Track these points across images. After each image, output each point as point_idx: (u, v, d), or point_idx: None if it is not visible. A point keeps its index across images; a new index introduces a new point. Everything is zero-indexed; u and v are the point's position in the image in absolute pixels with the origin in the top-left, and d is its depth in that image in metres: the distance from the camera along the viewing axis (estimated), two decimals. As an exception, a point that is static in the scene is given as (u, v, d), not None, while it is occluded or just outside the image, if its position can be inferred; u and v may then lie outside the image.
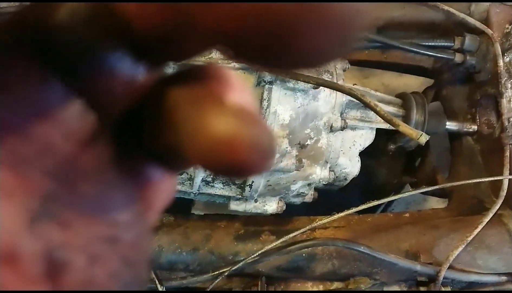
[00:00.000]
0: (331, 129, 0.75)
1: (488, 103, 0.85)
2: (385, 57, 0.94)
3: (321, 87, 0.72)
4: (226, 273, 0.71)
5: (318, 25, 0.10)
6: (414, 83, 1.08)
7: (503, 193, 0.74)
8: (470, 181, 0.74)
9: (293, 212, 0.84)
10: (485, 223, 0.71)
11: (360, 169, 0.84)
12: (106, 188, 0.13)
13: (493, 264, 0.73)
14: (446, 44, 0.84)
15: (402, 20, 0.87)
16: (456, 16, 0.83)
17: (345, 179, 0.84)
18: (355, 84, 0.81)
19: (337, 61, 0.77)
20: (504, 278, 0.73)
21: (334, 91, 0.75)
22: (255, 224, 0.81)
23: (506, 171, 0.75)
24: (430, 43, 0.83)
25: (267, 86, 0.70)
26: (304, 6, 0.10)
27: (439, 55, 0.83)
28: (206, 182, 0.75)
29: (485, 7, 0.83)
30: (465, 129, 0.87)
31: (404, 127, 0.60)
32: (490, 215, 0.72)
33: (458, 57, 0.83)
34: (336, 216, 0.73)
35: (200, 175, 0.73)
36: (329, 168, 0.79)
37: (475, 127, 0.86)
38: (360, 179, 0.87)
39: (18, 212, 0.11)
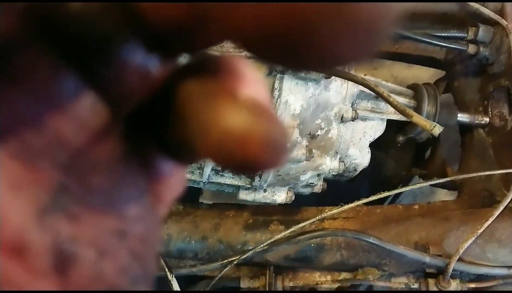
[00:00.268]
0: (342, 120, 0.75)
1: (501, 95, 0.84)
2: (396, 48, 0.93)
3: (332, 77, 0.72)
4: (235, 262, 0.71)
5: (344, 26, 0.09)
6: (423, 74, 1.06)
7: (515, 186, 0.74)
8: (482, 173, 0.74)
9: (300, 201, 0.84)
10: (495, 216, 0.71)
11: (369, 160, 0.84)
12: (117, 181, 0.13)
13: (503, 257, 0.72)
14: (459, 35, 0.82)
15: (415, 10, 0.86)
16: (470, 6, 0.82)
17: (355, 170, 0.84)
18: (366, 74, 0.80)
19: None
20: (513, 271, 0.73)
21: (346, 81, 0.74)
22: (264, 213, 0.82)
23: (518, 164, 0.75)
24: (443, 34, 0.82)
25: (278, 75, 0.69)
26: (329, 6, 0.09)
27: (452, 46, 0.82)
28: (216, 171, 0.75)
29: (500, -3, 0.81)
30: (477, 122, 0.86)
31: (417, 118, 0.60)
32: (501, 208, 0.71)
33: (471, 49, 0.82)
34: (346, 207, 0.73)
35: (210, 164, 0.73)
36: (339, 158, 0.79)
37: (487, 119, 0.85)
38: (368, 170, 0.87)
39: (27, 204, 0.11)
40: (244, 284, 0.78)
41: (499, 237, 0.73)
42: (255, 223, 0.79)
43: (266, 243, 0.72)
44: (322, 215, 0.74)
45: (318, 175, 0.79)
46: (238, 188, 0.79)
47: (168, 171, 0.15)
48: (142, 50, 0.12)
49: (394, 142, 0.91)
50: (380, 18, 0.10)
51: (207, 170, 0.74)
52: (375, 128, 0.81)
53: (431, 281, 0.74)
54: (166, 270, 0.68)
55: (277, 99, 0.69)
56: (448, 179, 0.82)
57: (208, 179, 0.76)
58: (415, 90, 0.85)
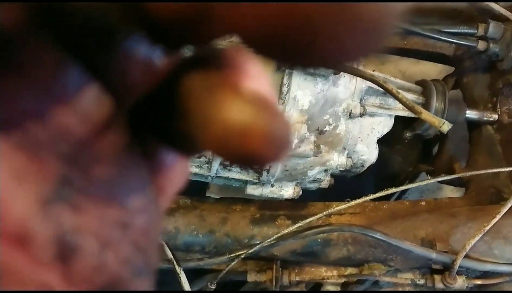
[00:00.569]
0: (350, 115, 0.75)
1: (510, 92, 0.84)
2: (405, 44, 0.92)
3: (341, 73, 0.71)
4: (242, 256, 0.72)
5: (344, 27, 0.09)
6: (431, 70, 1.06)
7: (523, 183, 0.74)
8: (490, 170, 0.74)
9: (306, 197, 0.84)
10: (503, 213, 0.71)
11: (376, 156, 0.84)
12: (120, 173, 0.13)
13: (509, 254, 0.72)
14: (469, 31, 0.82)
15: (424, 6, 0.85)
16: (480, 2, 0.81)
17: (362, 166, 0.84)
18: (374, 70, 0.80)
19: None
20: (520, 268, 0.73)
21: (354, 77, 0.74)
22: (271, 208, 0.82)
23: (527, 162, 0.75)
24: (452, 30, 0.82)
25: (287, 71, 0.69)
26: (329, 6, 0.09)
27: (461, 42, 0.81)
28: (224, 166, 0.76)
29: (511, -7, 0.81)
30: (485, 118, 0.86)
31: (426, 115, 0.60)
32: (509, 205, 0.71)
33: (481, 45, 0.81)
34: (353, 203, 0.73)
35: (218, 158, 0.73)
36: (347, 154, 0.79)
37: (495, 116, 0.85)
38: (374, 166, 0.87)
39: (31, 195, 0.11)
40: (251, 278, 0.79)
41: (506, 234, 0.73)
42: (262, 218, 0.80)
43: (273, 238, 0.72)
44: (329, 211, 0.74)
45: (326, 171, 0.80)
46: (245, 182, 0.79)
47: (171, 163, 0.15)
48: (146, 42, 0.12)
49: (401, 138, 0.91)
50: (381, 18, 0.10)
51: (215, 164, 0.74)
52: (383, 125, 0.81)
53: (437, 277, 0.74)
54: (175, 263, 0.69)
55: (285, 94, 0.69)
56: (455, 175, 0.82)
57: (216, 173, 0.76)
58: (424, 86, 0.84)
